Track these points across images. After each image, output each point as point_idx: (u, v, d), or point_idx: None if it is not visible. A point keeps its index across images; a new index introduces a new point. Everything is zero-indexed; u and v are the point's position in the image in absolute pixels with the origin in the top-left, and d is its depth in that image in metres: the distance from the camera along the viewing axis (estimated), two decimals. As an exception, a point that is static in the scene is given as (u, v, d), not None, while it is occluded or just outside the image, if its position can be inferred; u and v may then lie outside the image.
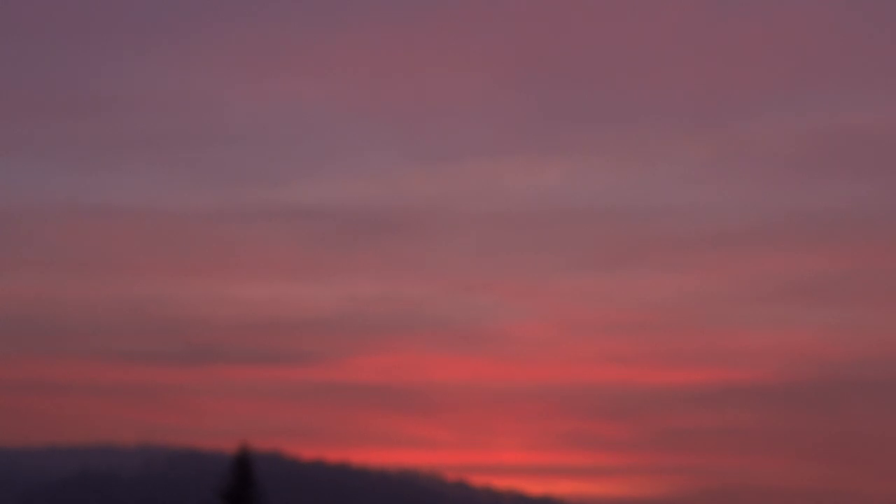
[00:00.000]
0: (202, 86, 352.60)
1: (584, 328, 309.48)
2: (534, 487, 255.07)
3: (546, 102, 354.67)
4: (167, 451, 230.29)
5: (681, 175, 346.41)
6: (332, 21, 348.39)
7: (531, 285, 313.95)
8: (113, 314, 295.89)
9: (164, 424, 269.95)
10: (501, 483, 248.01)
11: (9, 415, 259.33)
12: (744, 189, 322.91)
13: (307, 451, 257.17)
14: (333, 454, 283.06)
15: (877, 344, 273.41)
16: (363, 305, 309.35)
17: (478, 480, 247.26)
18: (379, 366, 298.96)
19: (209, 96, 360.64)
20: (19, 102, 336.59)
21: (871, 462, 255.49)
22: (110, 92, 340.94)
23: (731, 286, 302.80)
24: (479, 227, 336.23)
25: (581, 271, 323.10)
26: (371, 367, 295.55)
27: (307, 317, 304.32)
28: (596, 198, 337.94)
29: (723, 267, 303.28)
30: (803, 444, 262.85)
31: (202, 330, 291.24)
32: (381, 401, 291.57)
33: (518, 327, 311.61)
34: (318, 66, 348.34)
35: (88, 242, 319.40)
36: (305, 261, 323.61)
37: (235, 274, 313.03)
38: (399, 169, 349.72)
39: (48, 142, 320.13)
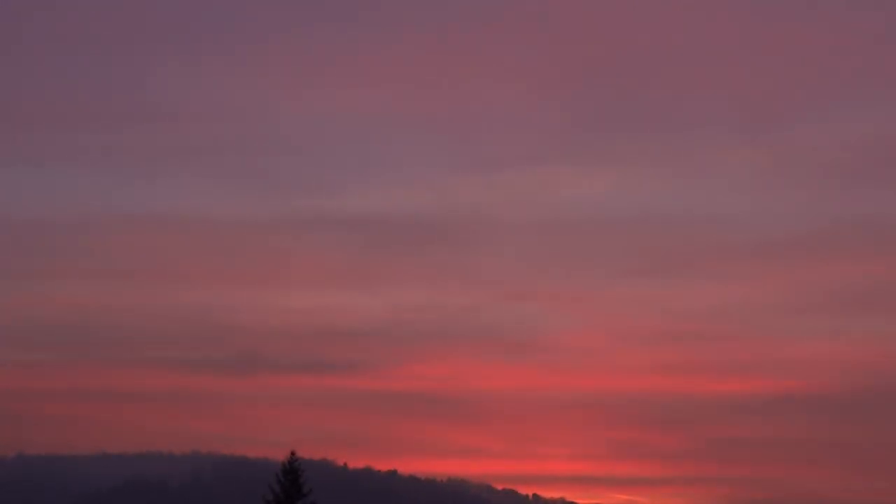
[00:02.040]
0: (255, 97, 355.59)
1: (633, 337, 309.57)
2: (582, 497, 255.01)
3: (592, 112, 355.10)
4: (216, 459, 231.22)
5: (729, 184, 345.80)
6: (382, 34, 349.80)
7: (579, 294, 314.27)
8: (165, 322, 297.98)
9: (213, 432, 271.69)
10: (549, 493, 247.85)
11: (61, 422, 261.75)
12: (793, 198, 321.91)
13: (356, 460, 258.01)
14: (382, 462, 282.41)
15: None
16: (412, 314, 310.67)
17: (526, 490, 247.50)
18: (427, 375, 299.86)
19: (262, 107, 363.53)
20: (75, 113, 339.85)
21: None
22: (166, 103, 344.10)
23: (780, 295, 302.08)
24: (526, 236, 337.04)
25: (629, 280, 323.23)
26: (419, 375, 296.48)
27: (356, 326, 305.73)
28: (643, 207, 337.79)
29: (772, 276, 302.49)
30: (853, 455, 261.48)
31: (252, 339, 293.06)
32: (430, 409, 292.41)
33: (566, 336, 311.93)
34: (367, 78, 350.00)
35: (142, 252, 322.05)
36: (354, 270, 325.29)
37: (286, 283, 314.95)
38: (447, 179, 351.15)
39: (105, 152, 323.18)
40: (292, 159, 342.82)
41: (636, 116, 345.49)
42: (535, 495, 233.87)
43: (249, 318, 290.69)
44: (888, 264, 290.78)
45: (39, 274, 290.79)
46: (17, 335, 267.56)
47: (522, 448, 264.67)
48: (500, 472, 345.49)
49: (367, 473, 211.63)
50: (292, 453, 54.68)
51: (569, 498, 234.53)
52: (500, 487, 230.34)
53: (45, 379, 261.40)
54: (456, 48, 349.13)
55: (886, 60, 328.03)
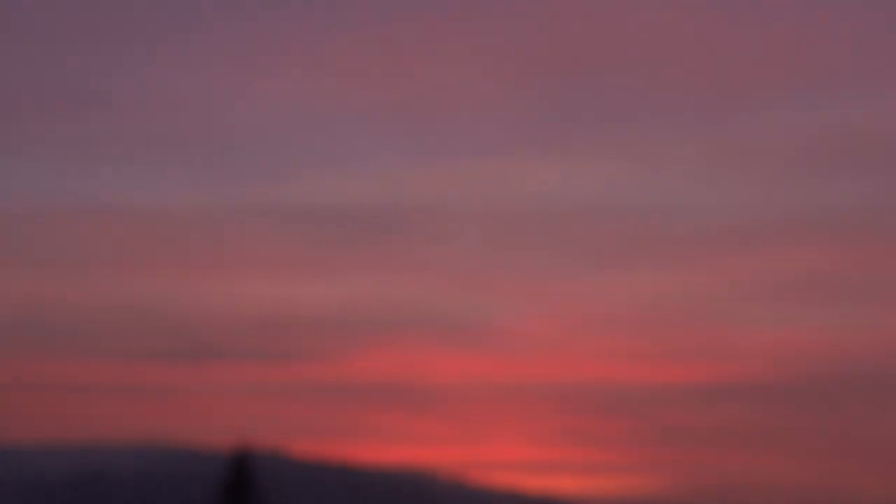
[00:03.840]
0: (202, 84, 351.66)
1: (585, 326, 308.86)
2: (533, 483, 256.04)
3: (547, 101, 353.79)
4: (165, 450, 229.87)
5: (684, 174, 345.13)
6: (332, 19, 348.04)
7: (532, 283, 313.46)
8: (111, 313, 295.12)
9: (161, 423, 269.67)
10: (501, 479, 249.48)
11: (5, 413, 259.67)
12: (744, 188, 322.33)
13: (307, 450, 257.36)
14: (333, 452, 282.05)
15: (875, 342, 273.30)
16: (365, 303, 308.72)
17: (477, 477, 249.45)
18: (379, 363, 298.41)
19: (214, 96, 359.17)
20: (21, 103, 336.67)
21: (868, 460, 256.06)
22: (111, 92, 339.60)
23: (731, 284, 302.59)
24: (479, 225, 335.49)
25: (581, 269, 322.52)
26: (371, 364, 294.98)
27: (307, 314, 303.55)
28: (597, 196, 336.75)
29: (723, 265, 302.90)
30: (801, 442, 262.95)
31: (201, 328, 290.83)
32: (382, 398, 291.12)
33: (519, 325, 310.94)
34: (318, 65, 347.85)
35: (87, 241, 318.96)
36: (306, 259, 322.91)
37: (236, 272, 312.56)
38: (400, 167, 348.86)
39: (54, 141, 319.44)
40: (244, 148, 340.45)
41: (592, 106, 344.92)
42: (486, 482, 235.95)
43: (199, 307, 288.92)
44: (841, 254, 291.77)
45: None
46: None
47: (474, 436, 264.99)
48: (452, 459, 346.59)
49: (319, 463, 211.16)
50: (242, 443, 53.88)
51: (519, 484, 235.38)
52: (451, 474, 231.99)
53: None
54: (410, 37, 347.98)
55: (845, 51, 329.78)
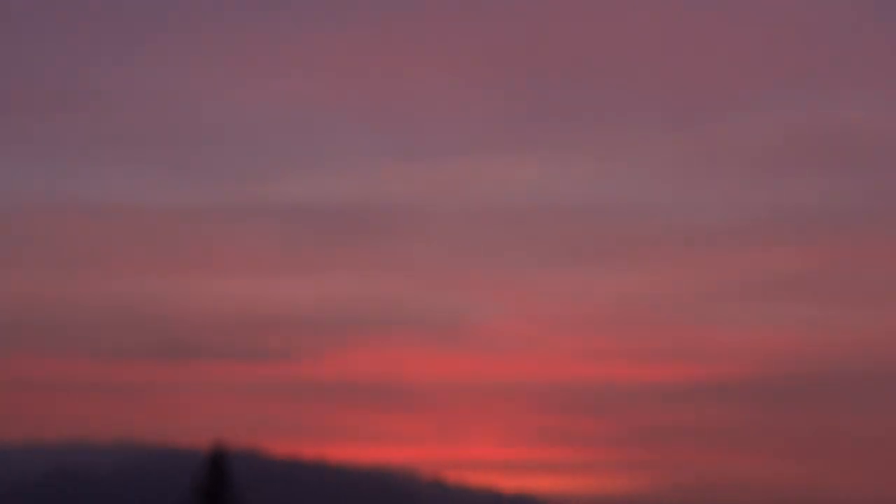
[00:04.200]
0: (185, 84, 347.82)
1: (561, 325, 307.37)
2: (509, 483, 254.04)
3: (522, 100, 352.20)
4: (142, 449, 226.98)
5: (657, 172, 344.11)
6: (311, 20, 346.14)
7: (508, 282, 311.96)
8: (91, 311, 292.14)
9: (139, 421, 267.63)
10: (477, 479, 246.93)
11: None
12: (720, 186, 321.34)
13: (283, 448, 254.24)
14: (310, 451, 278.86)
15: (852, 341, 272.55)
16: (341, 303, 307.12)
17: (454, 476, 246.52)
18: (356, 363, 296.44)
19: (192, 95, 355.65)
20: (0, 101, 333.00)
21: (846, 459, 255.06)
22: (92, 88, 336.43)
23: (706, 283, 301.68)
24: (457, 224, 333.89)
25: (558, 268, 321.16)
26: (348, 364, 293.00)
27: (284, 313, 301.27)
28: (572, 195, 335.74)
29: (699, 264, 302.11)
30: (778, 441, 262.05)
31: (179, 326, 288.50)
32: (359, 398, 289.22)
33: (495, 324, 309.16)
34: (297, 65, 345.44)
35: (66, 239, 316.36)
36: (284, 258, 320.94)
37: (213, 270, 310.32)
38: (378, 167, 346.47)
39: (30, 139, 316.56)
40: (221, 147, 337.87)
41: (564, 106, 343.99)
42: (462, 481, 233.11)
43: (177, 305, 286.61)
44: (812, 253, 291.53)
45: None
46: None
47: (450, 435, 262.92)
48: (429, 458, 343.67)
49: (296, 461, 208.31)
50: (219, 442, 53.67)
51: (496, 484, 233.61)
52: (428, 474, 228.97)
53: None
54: (388, 40, 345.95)
55: (814, 51, 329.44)
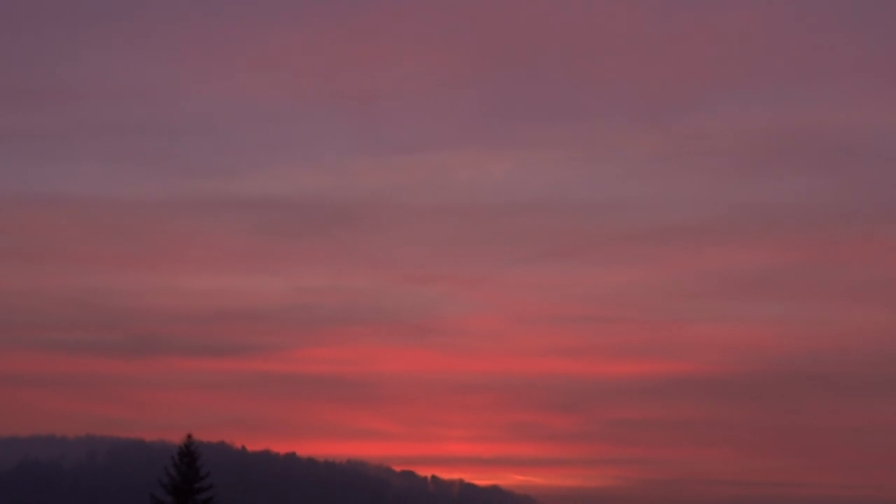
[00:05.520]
0: (156, 79, 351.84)
1: (532, 321, 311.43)
2: (480, 478, 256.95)
3: (496, 97, 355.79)
4: (111, 442, 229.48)
5: (629, 170, 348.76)
6: (285, 16, 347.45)
7: (479, 278, 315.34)
8: (61, 305, 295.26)
9: (109, 415, 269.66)
10: (448, 474, 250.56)
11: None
12: (691, 184, 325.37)
13: (254, 442, 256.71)
14: (281, 445, 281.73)
15: (821, 337, 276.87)
16: (312, 297, 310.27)
17: (425, 471, 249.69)
18: (328, 357, 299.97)
19: (163, 89, 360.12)
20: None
21: (815, 453, 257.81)
22: (63, 82, 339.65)
23: (676, 279, 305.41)
24: (428, 219, 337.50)
25: (529, 264, 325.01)
26: (319, 358, 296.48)
27: (256, 308, 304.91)
28: (544, 192, 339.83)
29: (669, 261, 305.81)
30: (748, 436, 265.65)
31: (150, 321, 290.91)
32: (330, 392, 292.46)
33: (466, 319, 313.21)
34: (270, 61, 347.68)
35: (35, 232, 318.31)
36: (255, 253, 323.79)
37: (185, 265, 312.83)
38: (348, 162, 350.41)
39: (0, 132, 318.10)
40: (193, 141, 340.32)
41: (537, 103, 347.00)
42: (433, 476, 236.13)
43: (147, 300, 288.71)
44: (780, 250, 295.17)
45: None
46: None
47: (421, 430, 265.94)
48: (400, 453, 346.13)
49: (266, 456, 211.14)
50: (189, 436, 54.21)
51: (467, 479, 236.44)
52: (398, 469, 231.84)
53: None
54: (360, 32, 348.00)
55: (782, 51, 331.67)
